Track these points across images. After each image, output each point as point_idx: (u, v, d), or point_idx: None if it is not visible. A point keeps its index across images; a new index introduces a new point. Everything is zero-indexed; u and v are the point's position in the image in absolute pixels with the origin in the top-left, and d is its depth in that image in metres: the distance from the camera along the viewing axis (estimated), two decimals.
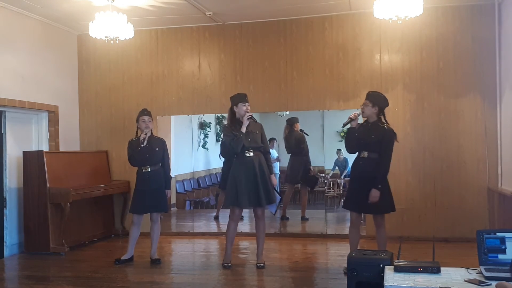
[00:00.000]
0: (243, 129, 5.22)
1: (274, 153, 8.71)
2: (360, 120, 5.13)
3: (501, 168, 6.34)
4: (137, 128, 5.77)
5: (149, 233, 5.81)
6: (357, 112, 5.07)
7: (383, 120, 5.02)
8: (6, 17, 6.28)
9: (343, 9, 6.79)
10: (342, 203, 5.36)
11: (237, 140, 5.20)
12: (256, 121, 5.46)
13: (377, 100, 4.96)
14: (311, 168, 8.26)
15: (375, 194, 4.79)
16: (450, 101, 6.67)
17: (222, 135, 5.56)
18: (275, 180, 5.51)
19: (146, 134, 5.56)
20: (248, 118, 5.25)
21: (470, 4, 6.56)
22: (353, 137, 5.03)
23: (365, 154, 4.96)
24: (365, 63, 6.93)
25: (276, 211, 5.73)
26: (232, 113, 5.41)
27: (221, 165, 8.45)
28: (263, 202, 5.27)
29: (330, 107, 7.06)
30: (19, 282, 5.38)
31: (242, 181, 5.24)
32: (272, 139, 8.52)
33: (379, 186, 4.80)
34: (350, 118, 5.02)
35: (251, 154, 5.28)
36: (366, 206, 4.94)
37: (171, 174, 5.99)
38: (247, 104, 5.33)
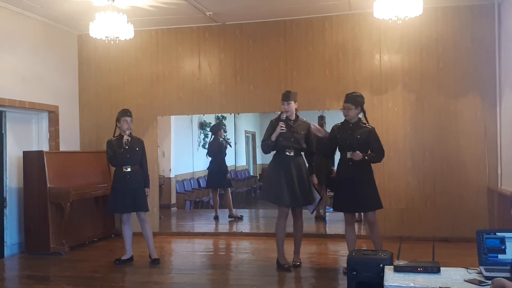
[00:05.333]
0: (273, 137, 5.19)
1: None
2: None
3: (501, 168, 6.35)
4: (116, 127, 5.75)
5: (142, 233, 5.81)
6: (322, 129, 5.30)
7: (364, 119, 5.08)
8: (6, 17, 6.28)
9: (343, 9, 6.79)
10: (332, 206, 5.26)
11: (268, 144, 5.23)
12: (305, 121, 5.41)
13: (359, 102, 5.01)
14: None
15: (358, 155, 4.82)
16: (450, 101, 6.67)
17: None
18: (316, 179, 5.44)
19: (129, 135, 5.59)
20: (282, 120, 5.22)
21: (470, 4, 6.56)
22: (332, 141, 5.10)
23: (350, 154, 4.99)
24: (365, 63, 6.93)
25: (314, 211, 5.68)
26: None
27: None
28: (301, 202, 5.28)
29: (330, 107, 7.06)
30: (19, 282, 5.39)
31: (281, 179, 5.20)
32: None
33: (366, 157, 4.87)
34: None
35: (291, 153, 5.25)
36: (357, 205, 5.00)
37: (171, 174, 6.00)
38: (285, 103, 5.26)
